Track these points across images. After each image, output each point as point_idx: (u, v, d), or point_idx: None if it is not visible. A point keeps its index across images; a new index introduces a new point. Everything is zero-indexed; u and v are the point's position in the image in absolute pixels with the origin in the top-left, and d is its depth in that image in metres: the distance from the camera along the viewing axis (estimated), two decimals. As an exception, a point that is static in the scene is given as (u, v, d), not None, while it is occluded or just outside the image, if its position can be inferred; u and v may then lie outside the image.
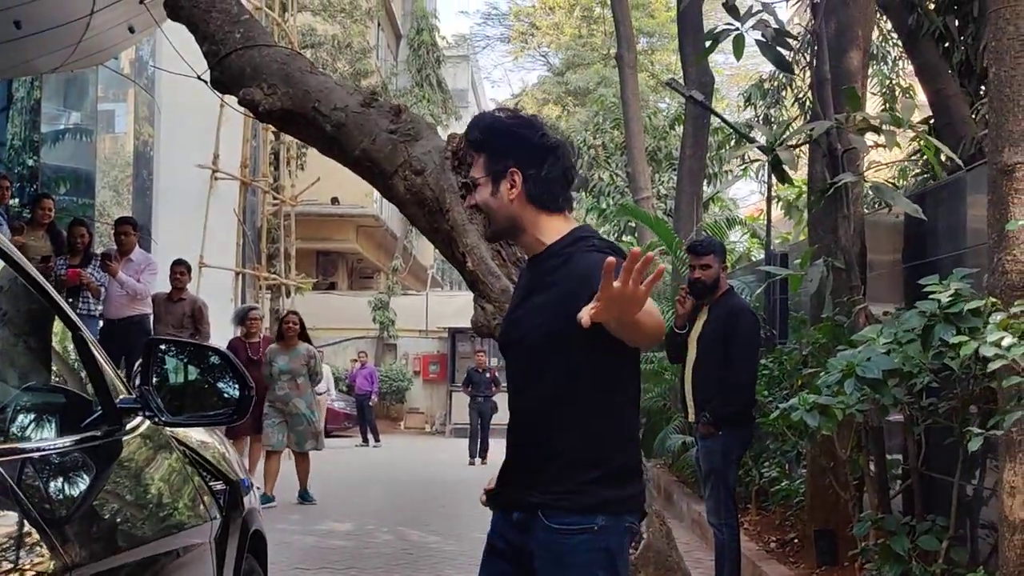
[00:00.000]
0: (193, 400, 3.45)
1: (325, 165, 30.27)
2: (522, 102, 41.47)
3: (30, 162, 16.37)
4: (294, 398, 11.95)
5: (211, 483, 3.77)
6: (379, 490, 15.22)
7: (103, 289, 10.86)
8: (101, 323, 11.03)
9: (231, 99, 20.06)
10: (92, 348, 3.18)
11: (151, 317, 11.37)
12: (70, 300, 10.27)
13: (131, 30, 12.84)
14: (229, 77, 6.52)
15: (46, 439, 2.95)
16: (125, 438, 3.23)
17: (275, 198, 25.89)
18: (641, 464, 3.08)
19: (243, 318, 12.42)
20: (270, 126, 26.47)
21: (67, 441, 2.95)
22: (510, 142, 3.03)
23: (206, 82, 6.90)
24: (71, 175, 17.92)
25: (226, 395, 3.41)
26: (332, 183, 26.24)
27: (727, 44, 7.73)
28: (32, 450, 2.68)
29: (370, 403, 25.82)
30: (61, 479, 2.81)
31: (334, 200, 32.40)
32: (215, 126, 20.36)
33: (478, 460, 20.17)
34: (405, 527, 10.95)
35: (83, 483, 2.93)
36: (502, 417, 21.50)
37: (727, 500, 7.23)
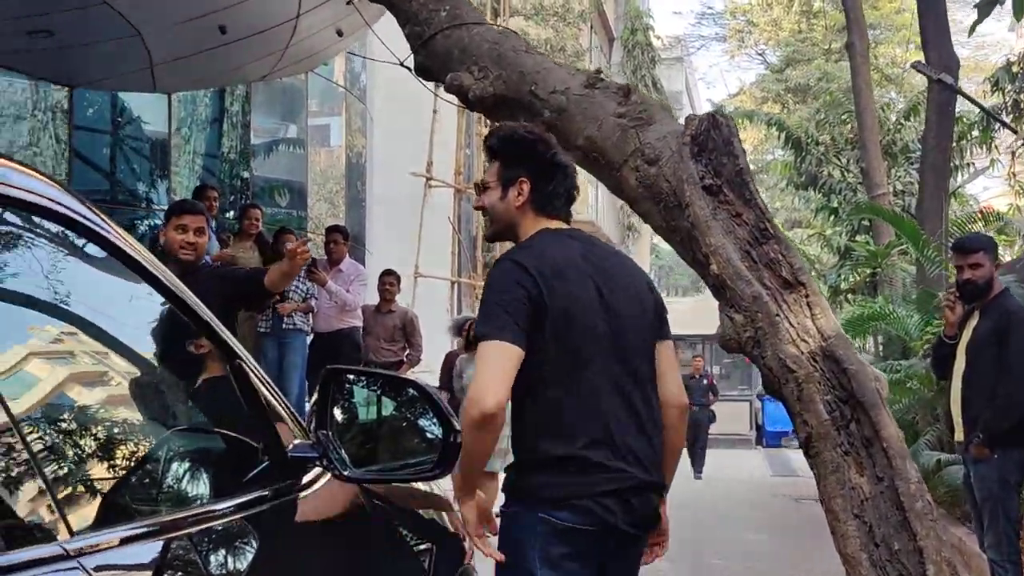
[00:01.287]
0: (386, 446, 2.69)
1: None
2: (740, 101, 40.30)
3: (244, 174, 16.22)
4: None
5: (418, 545, 3.03)
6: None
7: (313, 301, 10.35)
8: (311, 337, 10.54)
9: (444, 105, 19.83)
10: (257, 379, 2.46)
11: (360, 330, 10.81)
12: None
13: (339, 33, 12.38)
14: (435, 61, 5.81)
15: (199, 501, 2.26)
16: (301, 497, 2.49)
17: None
18: (570, 459, 3.02)
19: (461, 329, 11.44)
20: (482, 131, 26.39)
21: (226, 505, 2.24)
22: (525, 155, 3.27)
23: (410, 69, 6.22)
24: (283, 186, 17.79)
25: (428, 438, 2.62)
26: None
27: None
28: (182, 521, 2.02)
29: None
30: (216, 559, 2.09)
31: None
32: (428, 133, 19.98)
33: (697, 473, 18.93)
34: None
35: (244, 563, 2.21)
36: (724, 426, 20.31)
37: (1009, 533, 6.30)
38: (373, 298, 11.46)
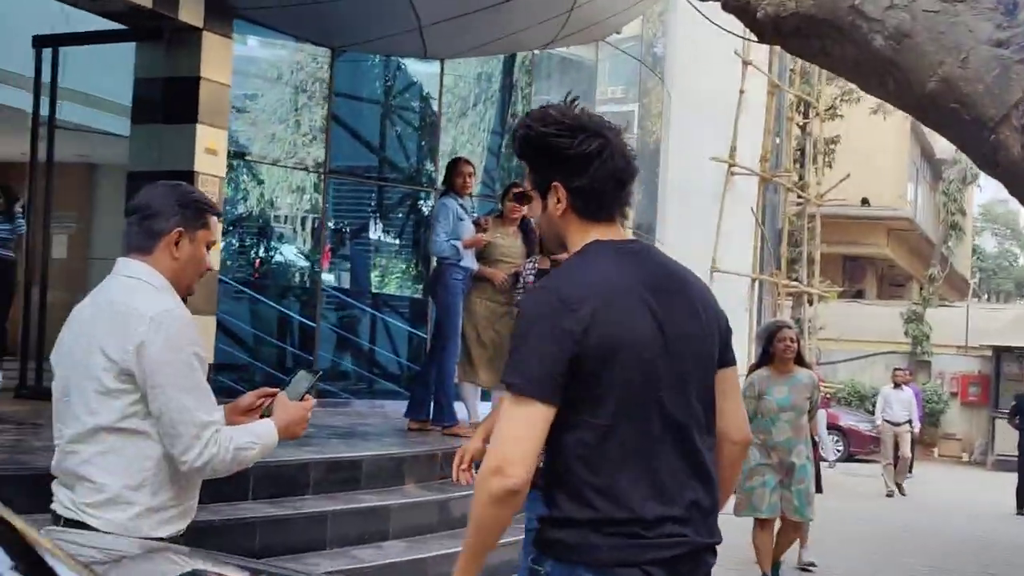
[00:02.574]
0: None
1: (854, 160, 28.22)
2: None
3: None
4: (797, 444, 8.75)
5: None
6: (900, 544, 12.36)
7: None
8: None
9: (752, 85, 18.19)
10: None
11: None
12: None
13: (632, -9, 10.88)
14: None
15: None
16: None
17: (799, 197, 23.77)
18: (618, 519, 2.64)
19: (771, 337, 9.14)
20: (795, 116, 24.64)
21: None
22: (547, 154, 2.79)
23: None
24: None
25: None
26: (860, 181, 23.91)
27: None
28: None
29: (912, 432, 19.44)
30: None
31: (864, 201, 30.37)
32: (732, 115, 18.51)
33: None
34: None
35: None
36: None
37: None
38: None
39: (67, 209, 17.60)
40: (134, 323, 3.03)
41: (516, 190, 8.49)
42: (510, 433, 2.60)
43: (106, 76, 11.71)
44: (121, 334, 3.03)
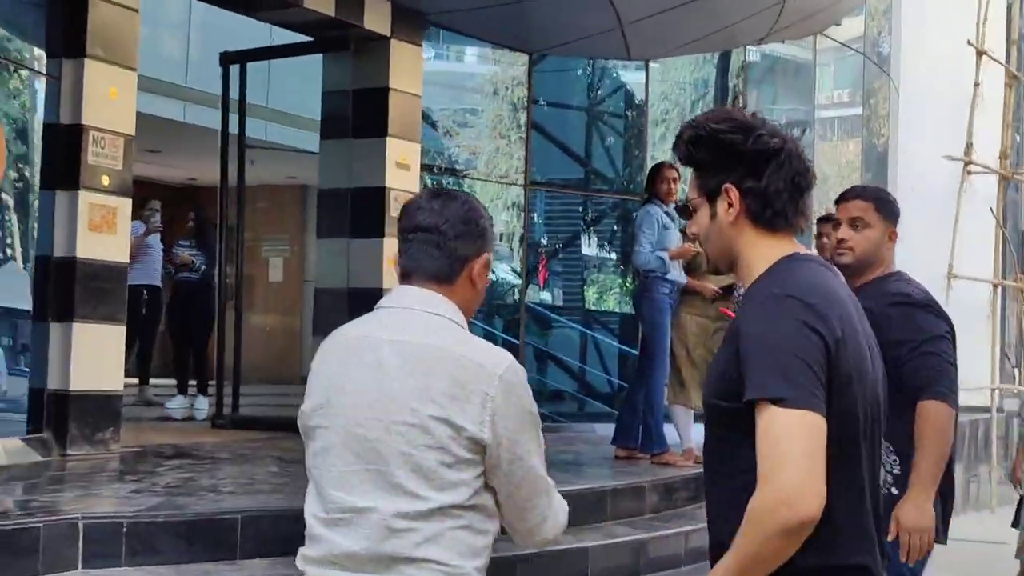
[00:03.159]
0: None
1: None
2: None
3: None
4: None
5: None
6: None
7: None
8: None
9: (990, 77, 17.01)
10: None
11: None
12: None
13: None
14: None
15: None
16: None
17: None
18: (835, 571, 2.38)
19: None
20: None
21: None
22: (720, 152, 2.54)
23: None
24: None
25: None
26: None
27: None
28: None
29: None
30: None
31: None
32: (967, 110, 17.46)
33: None
34: None
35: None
36: None
37: None
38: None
39: (279, 232, 17.67)
40: (483, 383, 2.50)
41: (680, 200, 7.82)
42: (792, 455, 2.26)
43: (308, 93, 11.48)
44: (467, 398, 2.50)
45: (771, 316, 2.40)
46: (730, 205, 2.54)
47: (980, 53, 18.26)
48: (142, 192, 15.01)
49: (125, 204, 7.54)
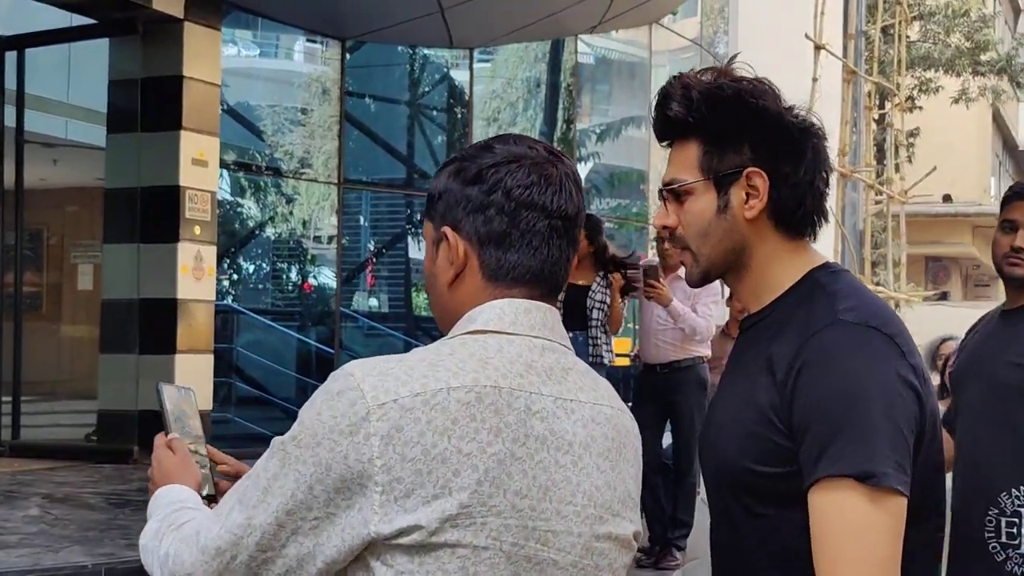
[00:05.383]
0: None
1: (933, 154, 26.85)
2: None
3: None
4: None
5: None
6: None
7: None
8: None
9: (827, 73, 16.91)
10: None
11: (705, 362, 7.71)
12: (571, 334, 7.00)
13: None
14: None
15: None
16: None
17: (879, 194, 22.42)
18: None
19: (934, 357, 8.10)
20: (873, 107, 23.29)
21: None
22: (747, 122, 1.85)
23: None
24: (623, 174, 15.66)
25: None
26: (941, 176, 22.81)
27: None
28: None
29: None
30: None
31: (946, 197, 30.42)
32: (805, 107, 17.23)
33: None
34: None
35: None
36: None
37: None
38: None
39: (89, 237, 16.50)
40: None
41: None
42: (875, 552, 1.76)
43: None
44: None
45: (848, 356, 1.82)
46: (749, 196, 1.89)
47: (818, 48, 18.14)
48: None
49: None
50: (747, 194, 1.89)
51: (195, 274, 8.58)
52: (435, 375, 1.54)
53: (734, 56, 1.96)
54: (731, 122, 1.89)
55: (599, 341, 7.31)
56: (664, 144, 1.98)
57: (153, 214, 8.60)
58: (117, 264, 8.87)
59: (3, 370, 9.27)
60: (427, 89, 12.64)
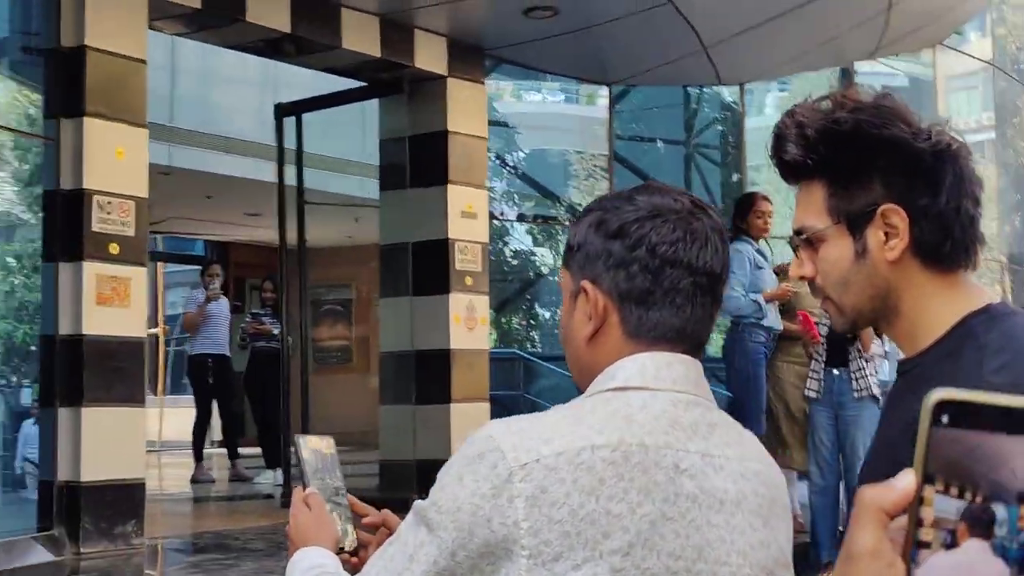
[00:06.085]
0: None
1: None
2: None
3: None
4: None
5: None
6: None
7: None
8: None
9: None
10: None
11: None
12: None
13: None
14: None
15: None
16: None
17: None
18: None
19: None
20: None
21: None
22: (868, 156, 1.68)
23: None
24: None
25: None
26: None
27: None
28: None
29: None
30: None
31: None
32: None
33: None
34: None
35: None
36: None
37: None
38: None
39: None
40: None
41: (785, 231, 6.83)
42: None
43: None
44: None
45: None
46: (890, 235, 1.71)
47: None
48: (247, 258, 14.51)
49: (139, 273, 6.89)
50: (886, 234, 1.72)
51: (467, 324, 8.70)
52: (578, 433, 1.48)
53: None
54: (855, 158, 1.72)
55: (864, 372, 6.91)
56: (790, 185, 1.82)
57: (425, 267, 8.80)
58: (393, 317, 9.10)
59: (311, 425, 9.58)
60: (701, 127, 12.48)
